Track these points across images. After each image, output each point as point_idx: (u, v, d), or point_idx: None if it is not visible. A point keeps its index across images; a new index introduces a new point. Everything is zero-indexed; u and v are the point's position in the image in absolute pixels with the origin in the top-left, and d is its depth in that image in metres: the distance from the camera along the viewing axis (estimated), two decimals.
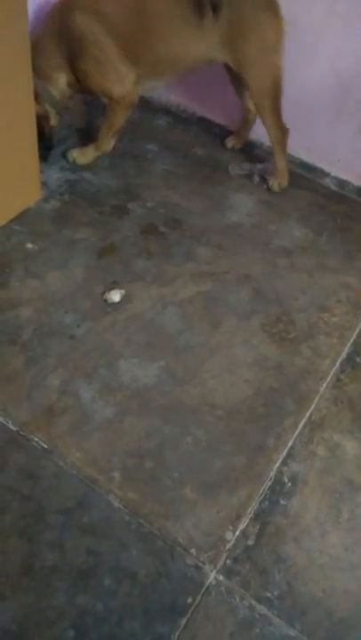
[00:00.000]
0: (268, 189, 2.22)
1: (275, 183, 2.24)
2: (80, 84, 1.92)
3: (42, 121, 1.89)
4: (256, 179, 2.26)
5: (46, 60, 1.85)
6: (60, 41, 1.83)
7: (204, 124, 2.45)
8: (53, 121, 1.97)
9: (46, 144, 1.98)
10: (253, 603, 1.22)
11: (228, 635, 1.18)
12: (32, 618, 1.16)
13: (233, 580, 1.25)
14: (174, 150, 2.33)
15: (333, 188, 2.32)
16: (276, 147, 2.14)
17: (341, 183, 2.32)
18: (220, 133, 2.43)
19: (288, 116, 2.31)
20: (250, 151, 2.38)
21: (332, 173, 2.35)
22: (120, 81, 1.88)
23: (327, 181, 2.34)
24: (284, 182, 2.23)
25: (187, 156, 2.32)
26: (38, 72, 1.80)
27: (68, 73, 1.90)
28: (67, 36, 1.82)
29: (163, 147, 2.33)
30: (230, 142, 2.37)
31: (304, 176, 2.35)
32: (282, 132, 2.10)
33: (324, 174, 2.35)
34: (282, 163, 2.18)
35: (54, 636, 1.15)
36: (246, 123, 2.32)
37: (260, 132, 2.39)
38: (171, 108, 2.48)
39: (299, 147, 2.37)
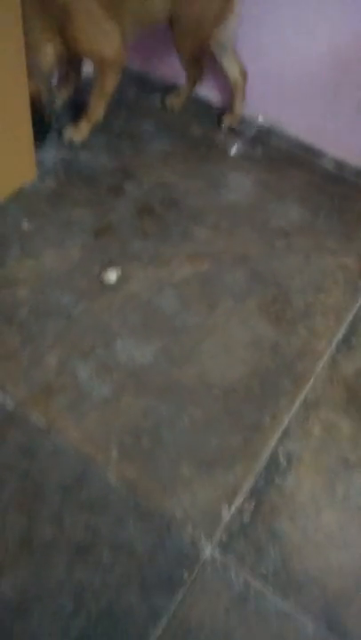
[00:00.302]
0: (163, 104, 2.35)
1: (226, 121, 2.32)
2: (69, 52, 1.90)
3: (34, 99, 1.86)
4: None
5: (32, 34, 1.81)
6: (43, 11, 1.80)
7: (202, 103, 2.42)
8: (44, 97, 1.94)
9: (42, 125, 1.95)
10: (249, 578, 1.24)
11: (223, 609, 1.20)
12: (31, 591, 1.18)
13: (228, 555, 1.27)
14: (171, 129, 2.30)
15: (331, 168, 2.30)
16: (238, 93, 2.27)
17: (339, 164, 2.31)
18: (217, 112, 2.40)
19: (286, 96, 2.29)
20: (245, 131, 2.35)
21: (330, 154, 2.33)
22: (109, 41, 1.88)
23: (325, 162, 2.32)
24: (235, 123, 2.34)
25: (184, 136, 2.29)
26: (25, 47, 1.77)
27: (55, 43, 1.87)
28: (50, 6, 1.79)
29: (159, 126, 2.30)
30: (227, 120, 2.35)
31: (302, 156, 2.33)
32: (245, 80, 2.25)
33: (321, 154, 2.33)
34: (239, 108, 2.32)
35: (53, 608, 1.16)
36: (234, 94, 2.30)
37: (256, 110, 2.37)
38: (167, 86, 2.45)
39: (296, 126, 2.35)
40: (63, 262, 1.77)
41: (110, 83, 2.00)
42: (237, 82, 2.27)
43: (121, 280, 1.77)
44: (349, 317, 1.79)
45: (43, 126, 1.94)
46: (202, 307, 1.75)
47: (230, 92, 2.32)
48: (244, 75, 2.25)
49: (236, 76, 2.26)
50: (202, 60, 2.18)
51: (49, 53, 1.89)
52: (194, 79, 2.28)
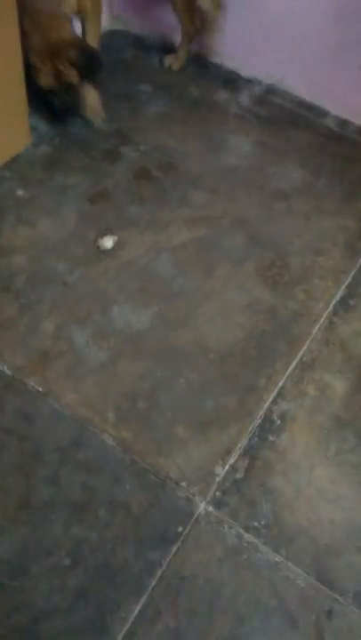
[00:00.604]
0: (161, 64, 2.32)
1: (167, 61, 2.30)
2: None
3: (61, 76, 1.82)
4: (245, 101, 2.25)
5: None
6: None
7: (200, 62, 2.36)
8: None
9: (61, 104, 1.92)
10: (241, 531, 1.28)
11: (216, 561, 1.24)
12: (30, 549, 1.23)
13: (222, 510, 1.30)
14: (169, 91, 2.25)
15: (334, 127, 2.25)
16: (185, 37, 2.25)
17: (342, 122, 2.25)
18: (216, 72, 2.35)
19: (288, 53, 2.22)
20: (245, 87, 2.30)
21: (333, 112, 2.27)
22: None
23: (327, 121, 2.26)
24: (176, 66, 2.32)
25: (182, 97, 2.25)
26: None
27: None
28: None
29: (157, 87, 2.26)
30: (167, 62, 2.31)
31: (303, 115, 2.27)
32: (194, 27, 2.21)
33: (324, 113, 2.28)
34: (184, 53, 2.30)
35: (51, 564, 1.22)
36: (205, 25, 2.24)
37: (258, 69, 2.31)
38: (165, 45, 2.39)
39: (299, 84, 2.29)
40: (59, 229, 1.78)
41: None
42: (185, 27, 2.20)
43: (117, 246, 1.77)
44: (348, 279, 1.78)
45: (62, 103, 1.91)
46: (199, 271, 1.75)
47: (239, 53, 2.26)
48: (192, 21, 2.18)
49: (207, 7, 2.15)
50: (194, 9, 2.12)
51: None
52: (188, 33, 2.22)
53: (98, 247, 1.75)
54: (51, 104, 1.91)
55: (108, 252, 1.75)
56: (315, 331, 1.64)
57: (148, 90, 2.24)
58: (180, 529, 1.27)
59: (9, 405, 1.42)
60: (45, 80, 1.83)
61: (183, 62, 2.32)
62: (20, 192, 1.84)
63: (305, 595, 1.23)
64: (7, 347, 1.52)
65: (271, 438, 1.42)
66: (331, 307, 1.70)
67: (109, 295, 1.66)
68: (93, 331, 1.58)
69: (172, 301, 1.67)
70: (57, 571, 1.21)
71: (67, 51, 1.79)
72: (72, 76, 1.83)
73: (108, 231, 1.79)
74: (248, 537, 1.27)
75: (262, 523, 1.29)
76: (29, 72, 1.81)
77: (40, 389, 1.45)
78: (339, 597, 1.23)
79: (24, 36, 1.73)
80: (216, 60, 2.36)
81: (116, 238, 1.77)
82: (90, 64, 1.85)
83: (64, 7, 1.83)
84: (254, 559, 1.25)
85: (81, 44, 1.85)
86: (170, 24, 2.29)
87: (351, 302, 1.72)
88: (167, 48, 2.37)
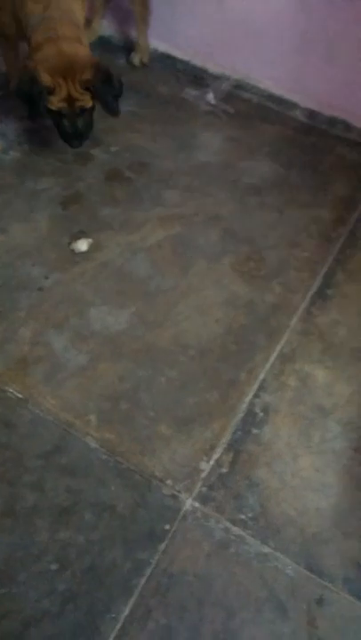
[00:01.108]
0: (129, 63, 2.30)
1: (136, 58, 2.29)
2: None
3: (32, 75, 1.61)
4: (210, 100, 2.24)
5: None
6: None
7: (167, 61, 2.37)
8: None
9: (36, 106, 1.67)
10: (228, 525, 1.28)
11: (204, 555, 1.24)
12: (17, 555, 1.22)
13: (208, 505, 1.30)
14: (137, 90, 2.25)
15: (303, 119, 2.27)
16: (140, 24, 2.21)
17: (311, 114, 2.27)
18: (183, 69, 2.35)
19: (254, 46, 2.23)
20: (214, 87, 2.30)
21: (302, 104, 2.28)
22: None
23: (297, 113, 2.28)
24: (146, 57, 2.31)
25: (150, 96, 2.25)
26: None
27: None
28: None
29: (125, 87, 2.23)
30: (136, 58, 2.31)
31: (272, 109, 2.29)
32: (146, 10, 2.19)
33: (293, 106, 2.29)
34: (144, 40, 2.27)
35: (39, 570, 1.21)
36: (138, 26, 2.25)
37: (224, 65, 2.32)
38: (131, 46, 2.38)
39: (266, 78, 2.30)
40: (32, 234, 1.77)
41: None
42: (138, 12, 2.20)
43: (92, 248, 1.76)
44: (324, 270, 1.79)
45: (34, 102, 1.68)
46: (175, 269, 1.75)
47: (204, 50, 2.26)
48: (144, 4, 2.18)
49: (136, 6, 2.18)
50: None
51: None
52: (142, 16, 2.19)
53: (72, 250, 1.75)
54: (62, 128, 1.71)
55: (83, 255, 1.74)
56: (293, 322, 1.65)
57: None
58: (167, 526, 1.27)
59: None
60: (56, 103, 1.65)
61: (148, 50, 2.31)
62: None
63: (295, 584, 1.23)
64: None
65: (255, 431, 1.43)
66: (308, 298, 1.72)
67: (86, 298, 1.65)
68: (71, 334, 1.57)
69: (149, 301, 1.67)
70: (45, 576, 1.20)
71: (81, 72, 1.62)
72: (86, 100, 1.67)
73: (82, 234, 1.79)
74: (235, 530, 1.28)
75: (249, 515, 1.30)
76: (31, 89, 1.62)
77: (20, 396, 1.44)
78: (329, 584, 1.24)
79: (35, 49, 1.60)
80: (183, 57, 2.36)
81: (90, 241, 1.77)
82: (108, 91, 1.67)
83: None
84: (243, 552, 1.25)
85: (97, 66, 1.65)
86: (132, 22, 2.29)
87: (328, 292, 1.73)
88: (132, 47, 2.37)
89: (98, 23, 2.32)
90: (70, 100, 1.65)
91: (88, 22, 2.20)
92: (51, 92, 1.62)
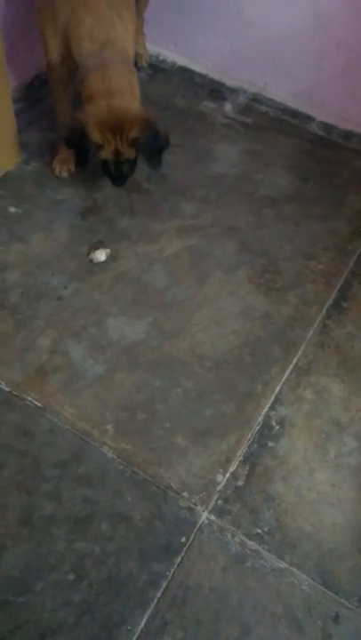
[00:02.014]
0: (137, 67, 2.27)
1: (142, 61, 2.34)
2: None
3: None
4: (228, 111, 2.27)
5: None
6: None
7: (185, 74, 2.39)
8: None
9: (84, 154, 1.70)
10: (244, 539, 1.28)
11: (220, 569, 1.24)
12: (33, 564, 1.23)
13: (224, 518, 1.30)
14: (155, 103, 2.27)
15: (319, 132, 2.28)
16: (139, 31, 2.24)
17: (328, 127, 2.28)
18: (201, 83, 2.37)
19: (271, 60, 2.25)
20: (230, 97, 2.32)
21: (318, 118, 2.30)
22: None
23: (313, 126, 2.29)
24: (145, 60, 2.38)
25: (168, 108, 2.27)
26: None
27: None
28: None
29: (143, 100, 2.27)
30: (143, 61, 2.34)
31: (289, 122, 2.30)
32: (142, 21, 2.23)
33: (309, 119, 2.30)
34: (142, 46, 2.33)
35: (55, 580, 1.21)
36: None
37: (241, 78, 2.34)
38: (150, 58, 2.41)
39: (283, 92, 2.31)
40: (52, 244, 1.79)
41: None
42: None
43: (110, 259, 1.78)
44: (340, 282, 1.79)
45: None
46: (192, 280, 1.76)
47: (221, 62, 2.28)
48: (140, 15, 2.17)
49: None
50: None
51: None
52: (140, 2, 2.13)
53: (91, 260, 1.76)
54: (107, 171, 1.78)
55: (101, 265, 1.76)
56: (309, 335, 1.66)
57: None
58: (183, 539, 1.27)
59: (8, 421, 1.42)
60: (104, 155, 1.70)
61: (147, 53, 2.36)
62: (12, 209, 1.85)
63: (311, 600, 1.23)
64: (4, 363, 1.52)
65: (270, 444, 1.43)
66: (324, 310, 1.72)
67: (104, 308, 1.67)
68: (89, 344, 1.58)
69: (166, 311, 1.68)
70: (61, 586, 1.20)
71: (130, 129, 1.64)
72: (131, 153, 1.71)
73: (100, 244, 1.80)
74: (251, 544, 1.27)
75: (265, 529, 1.29)
76: (81, 142, 1.65)
77: (38, 404, 1.46)
78: (345, 601, 1.23)
79: (88, 100, 1.62)
80: (201, 70, 2.39)
81: (108, 251, 1.79)
82: (153, 147, 1.71)
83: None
84: (259, 566, 1.25)
85: (146, 124, 1.66)
86: (153, 36, 2.32)
87: (344, 305, 1.74)
88: (150, 61, 2.40)
89: (142, 46, 2.33)
90: (117, 152, 1.71)
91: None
92: (100, 146, 1.67)
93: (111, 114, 1.63)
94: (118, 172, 1.78)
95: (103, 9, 1.64)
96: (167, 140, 1.76)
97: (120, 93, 1.65)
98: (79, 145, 1.67)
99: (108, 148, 1.68)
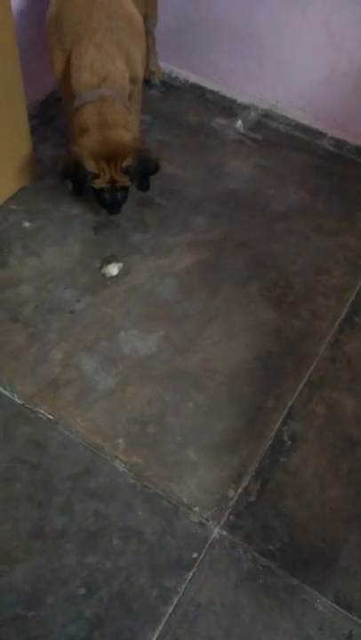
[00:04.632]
0: (149, 84, 2.38)
1: (155, 78, 2.39)
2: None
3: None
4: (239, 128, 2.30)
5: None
6: None
7: (197, 91, 2.43)
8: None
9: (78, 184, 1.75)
10: (256, 555, 1.27)
11: (232, 586, 1.23)
12: (45, 578, 1.22)
13: (236, 534, 1.29)
14: (168, 120, 2.31)
15: (330, 148, 2.29)
16: (151, 49, 2.28)
17: (339, 143, 2.29)
18: (213, 99, 2.41)
19: (282, 77, 2.28)
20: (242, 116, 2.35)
21: (329, 134, 2.31)
22: None
23: (324, 142, 2.30)
24: (158, 77, 2.41)
25: (180, 125, 2.30)
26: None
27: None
28: None
29: (156, 117, 2.31)
30: (153, 79, 2.39)
31: (301, 138, 2.32)
32: (153, 39, 2.27)
33: (320, 135, 2.32)
34: (152, 59, 2.36)
35: (66, 594, 1.21)
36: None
37: (252, 95, 2.37)
38: (163, 76, 2.45)
39: (294, 108, 2.33)
40: (65, 258, 1.81)
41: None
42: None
43: (122, 273, 1.80)
44: (351, 297, 1.79)
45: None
46: (203, 294, 1.77)
47: (233, 80, 2.32)
48: (151, 36, 2.22)
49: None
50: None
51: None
52: (149, 20, 2.15)
53: (103, 274, 1.78)
54: (102, 200, 1.82)
55: (113, 279, 1.77)
56: (321, 349, 1.65)
57: (148, 119, 2.29)
58: (194, 555, 1.27)
59: (20, 434, 1.43)
60: (99, 184, 1.75)
61: (160, 70, 2.39)
62: (26, 224, 1.88)
63: (324, 618, 1.21)
64: (17, 375, 1.53)
65: (282, 459, 1.42)
66: (336, 325, 1.71)
67: (116, 321, 1.68)
68: (101, 357, 1.59)
69: (177, 325, 1.69)
70: (72, 600, 1.20)
71: (123, 158, 1.68)
72: (125, 181, 1.75)
73: (112, 258, 1.82)
74: (264, 561, 1.26)
75: (277, 546, 1.28)
76: (76, 172, 1.68)
77: (50, 417, 1.46)
78: (358, 620, 1.21)
79: (81, 132, 1.67)
80: (212, 87, 2.42)
81: (121, 265, 1.80)
82: (145, 172, 1.75)
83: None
84: (271, 583, 1.24)
85: (138, 152, 1.71)
86: (166, 54, 2.36)
87: (356, 320, 1.73)
88: (163, 79, 2.44)
89: (155, 64, 2.37)
90: (112, 181, 1.75)
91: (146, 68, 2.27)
92: (96, 176, 1.72)
93: (105, 145, 1.68)
94: (113, 200, 1.83)
95: (107, 44, 1.69)
96: (157, 164, 1.81)
97: (114, 126, 1.70)
98: (75, 176, 1.72)
99: (103, 177, 1.73)
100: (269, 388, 1.56)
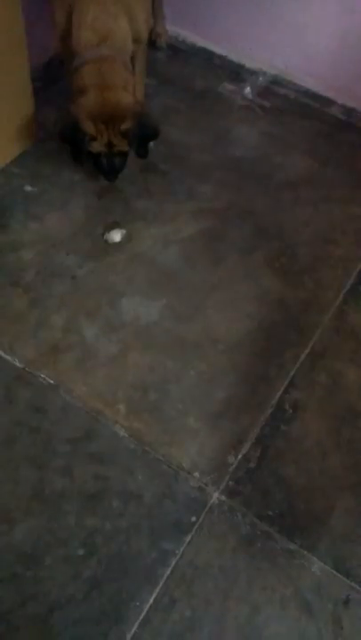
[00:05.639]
0: (156, 47, 2.32)
1: (161, 41, 2.33)
2: None
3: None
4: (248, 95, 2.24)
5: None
6: None
7: (205, 55, 2.35)
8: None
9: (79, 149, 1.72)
10: (255, 520, 1.27)
11: (230, 549, 1.24)
12: (44, 539, 1.23)
13: (235, 499, 1.30)
14: (174, 84, 2.25)
15: (340, 116, 2.23)
16: (159, 11, 2.23)
17: (348, 111, 2.23)
18: (220, 64, 2.34)
19: (293, 43, 2.21)
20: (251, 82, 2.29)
21: (339, 101, 2.25)
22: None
23: (334, 110, 2.24)
24: (164, 39, 2.34)
25: (187, 90, 2.24)
26: None
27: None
28: None
29: (162, 81, 2.25)
30: (158, 41, 2.32)
31: (310, 105, 2.26)
32: (161, 1, 2.20)
33: (330, 103, 2.26)
34: (159, 22, 2.28)
35: (65, 555, 1.22)
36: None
37: (261, 60, 2.30)
38: (170, 39, 2.38)
39: (304, 74, 2.27)
40: (67, 224, 1.78)
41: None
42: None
43: (125, 239, 1.77)
44: (357, 267, 1.76)
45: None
46: (207, 263, 1.75)
47: (243, 45, 2.24)
48: None
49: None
50: None
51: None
52: (158, 6, 2.16)
53: (106, 241, 1.75)
54: (99, 165, 1.78)
55: (116, 246, 1.75)
56: (325, 320, 1.63)
57: (154, 83, 2.23)
58: (193, 518, 1.27)
59: (20, 398, 1.43)
60: (97, 147, 1.71)
61: (166, 33, 2.32)
62: (28, 188, 1.85)
63: (321, 583, 1.22)
64: (18, 340, 1.52)
65: (283, 427, 1.42)
66: (341, 295, 1.69)
67: (118, 288, 1.66)
68: (103, 324, 1.58)
69: (180, 293, 1.67)
70: (71, 561, 1.21)
71: (122, 121, 1.64)
72: (123, 145, 1.71)
73: (115, 225, 1.79)
74: (262, 525, 1.27)
75: (276, 511, 1.29)
76: (74, 135, 1.65)
77: (51, 382, 1.46)
78: (356, 585, 1.22)
79: (80, 92, 1.63)
80: (221, 52, 2.35)
81: (124, 232, 1.78)
82: (144, 137, 1.72)
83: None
84: (269, 548, 1.24)
85: (138, 115, 1.67)
86: (173, 17, 2.29)
87: None
88: (170, 42, 2.37)
89: (162, 26, 2.30)
90: (110, 144, 1.71)
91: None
92: (93, 138, 1.68)
93: (104, 106, 1.64)
94: (110, 166, 1.78)
95: (109, 1, 1.64)
96: (157, 130, 1.77)
97: (114, 87, 1.65)
98: (73, 138, 1.68)
99: (100, 139, 1.69)
100: (272, 358, 1.54)
